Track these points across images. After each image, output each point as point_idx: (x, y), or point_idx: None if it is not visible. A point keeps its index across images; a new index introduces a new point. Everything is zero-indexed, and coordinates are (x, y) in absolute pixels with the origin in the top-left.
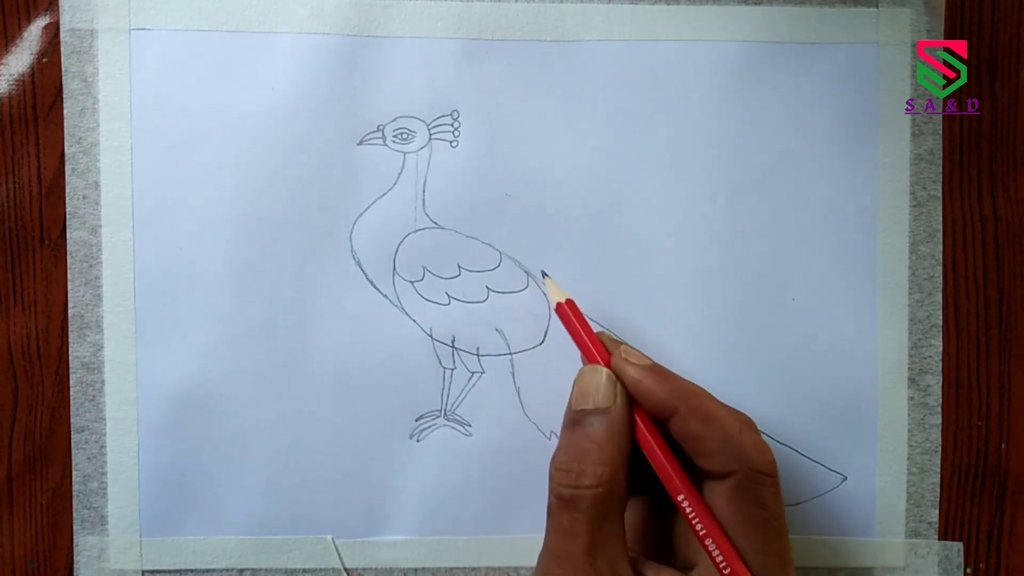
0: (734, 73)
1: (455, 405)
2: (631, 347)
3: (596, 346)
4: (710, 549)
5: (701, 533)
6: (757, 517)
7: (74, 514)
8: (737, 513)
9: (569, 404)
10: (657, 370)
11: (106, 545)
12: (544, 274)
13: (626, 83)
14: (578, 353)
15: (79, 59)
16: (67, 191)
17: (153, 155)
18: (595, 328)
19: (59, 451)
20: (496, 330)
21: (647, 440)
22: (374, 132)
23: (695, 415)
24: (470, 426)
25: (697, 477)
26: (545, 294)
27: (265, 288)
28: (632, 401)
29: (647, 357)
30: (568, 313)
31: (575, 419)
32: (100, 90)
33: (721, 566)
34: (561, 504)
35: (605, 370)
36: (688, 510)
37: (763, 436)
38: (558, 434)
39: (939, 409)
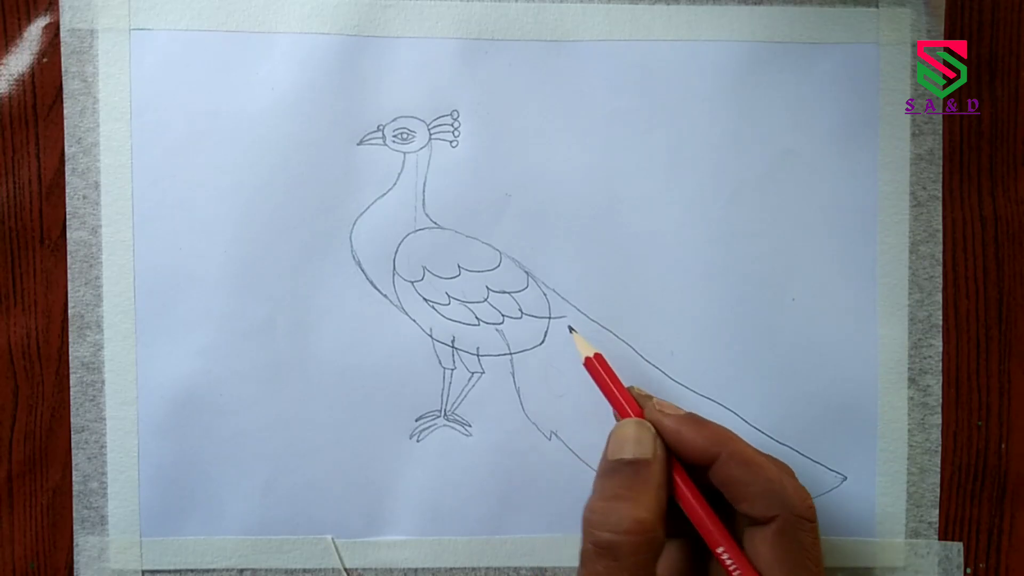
0: (734, 73)
1: (455, 405)
2: (663, 400)
3: (628, 400)
4: None
5: None
6: (797, 561)
7: (74, 514)
8: (780, 559)
9: (604, 455)
10: (693, 419)
11: (106, 545)
12: (571, 329)
13: (626, 83)
14: (580, 357)
15: (79, 59)
16: (67, 191)
17: (153, 155)
18: (625, 383)
19: (59, 451)
20: (496, 330)
21: (683, 492)
22: (374, 132)
23: (736, 460)
24: (470, 426)
25: (732, 523)
26: (574, 346)
27: (265, 288)
28: (669, 452)
29: (680, 408)
30: (598, 368)
31: (613, 468)
32: (100, 90)
33: None
34: (599, 552)
35: (643, 422)
36: (729, 563)
37: (764, 436)
38: (558, 434)
39: (939, 409)
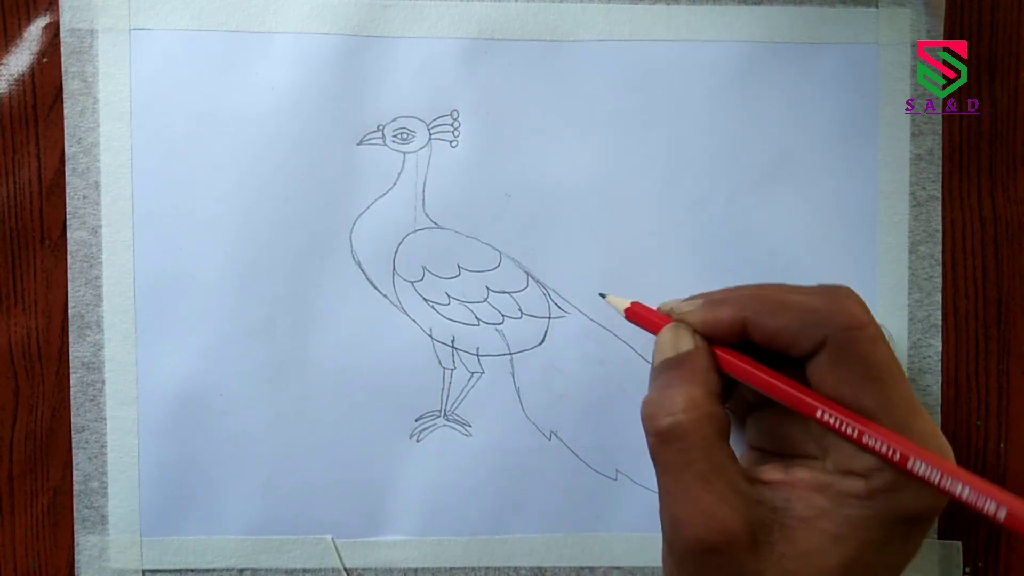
0: (734, 73)
1: (455, 405)
2: (683, 301)
3: (660, 317)
4: (870, 444)
5: (849, 432)
6: (864, 375)
7: (75, 513)
8: (845, 382)
9: (652, 365)
10: (711, 301)
11: (107, 544)
12: (603, 295)
13: (626, 83)
14: (577, 353)
15: (79, 59)
16: (67, 191)
17: (153, 155)
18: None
19: (60, 451)
20: (496, 330)
21: (740, 367)
22: (374, 132)
23: (762, 314)
24: (470, 426)
25: (803, 378)
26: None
27: (265, 288)
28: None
29: (697, 297)
30: (636, 312)
31: (659, 369)
32: (100, 90)
33: (890, 455)
34: (663, 440)
35: (677, 323)
36: (831, 419)
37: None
38: (558, 434)
39: (938, 409)
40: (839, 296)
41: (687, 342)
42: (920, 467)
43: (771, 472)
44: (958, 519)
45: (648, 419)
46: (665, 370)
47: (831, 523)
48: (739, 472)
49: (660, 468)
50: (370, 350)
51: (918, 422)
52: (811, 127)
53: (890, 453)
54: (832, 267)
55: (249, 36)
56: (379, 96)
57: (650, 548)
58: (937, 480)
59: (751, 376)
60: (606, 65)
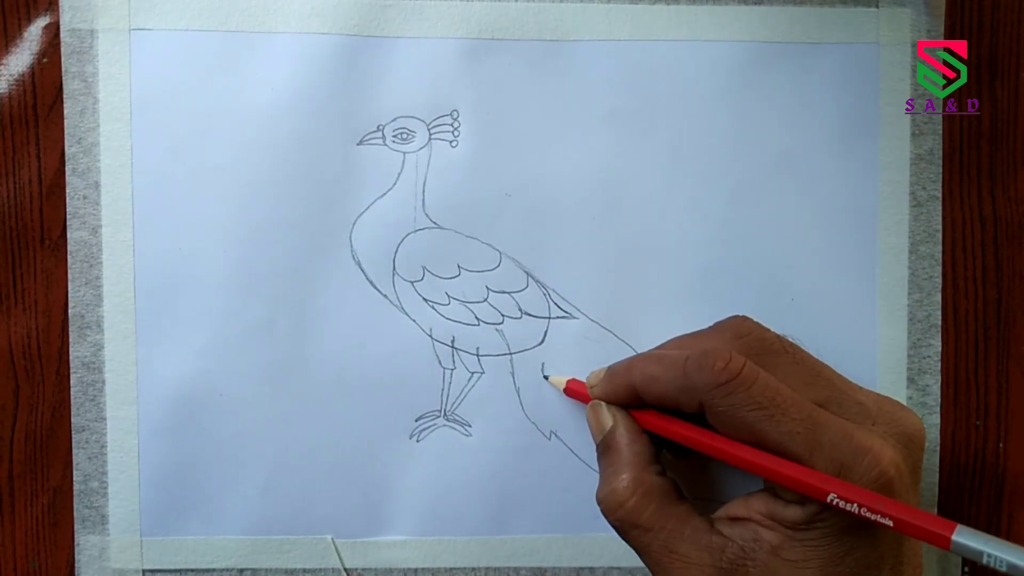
0: (734, 73)
1: (455, 405)
2: (594, 373)
3: (583, 390)
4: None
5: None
6: (745, 422)
7: (75, 513)
8: (737, 429)
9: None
10: (611, 370)
11: (107, 544)
12: (546, 377)
13: (626, 83)
14: (577, 353)
15: (79, 59)
16: (67, 191)
17: (153, 155)
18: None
19: (60, 451)
20: (496, 330)
21: (658, 424)
22: (374, 132)
23: (645, 387)
24: (470, 426)
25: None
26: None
27: (265, 288)
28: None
29: (603, 369)
30: (573, 390)
31: (598, 455)
32: (100, 90)
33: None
34: (621, 529)
35: (593, 402)
36: (840, 503)
37: None
38: (558, 434)
39: (938, 409)
40: (704, 354)
41: (607, 419)
42: (836, 501)
43: (735, 508)
44: (957, 518)
45: (605, 513)
46: (600, 456)
47: (792, 550)
48: (698, 526)
49: (633, 547)
50: (370, 350)
51: (827, 434)
52: (811, 127)
53: (805, 488)
54: (832, 267)
55: (249, 36)
56: (379, 96)
57: None
58: (854, 510)
59: (669, 432)
60: (606, 65)
